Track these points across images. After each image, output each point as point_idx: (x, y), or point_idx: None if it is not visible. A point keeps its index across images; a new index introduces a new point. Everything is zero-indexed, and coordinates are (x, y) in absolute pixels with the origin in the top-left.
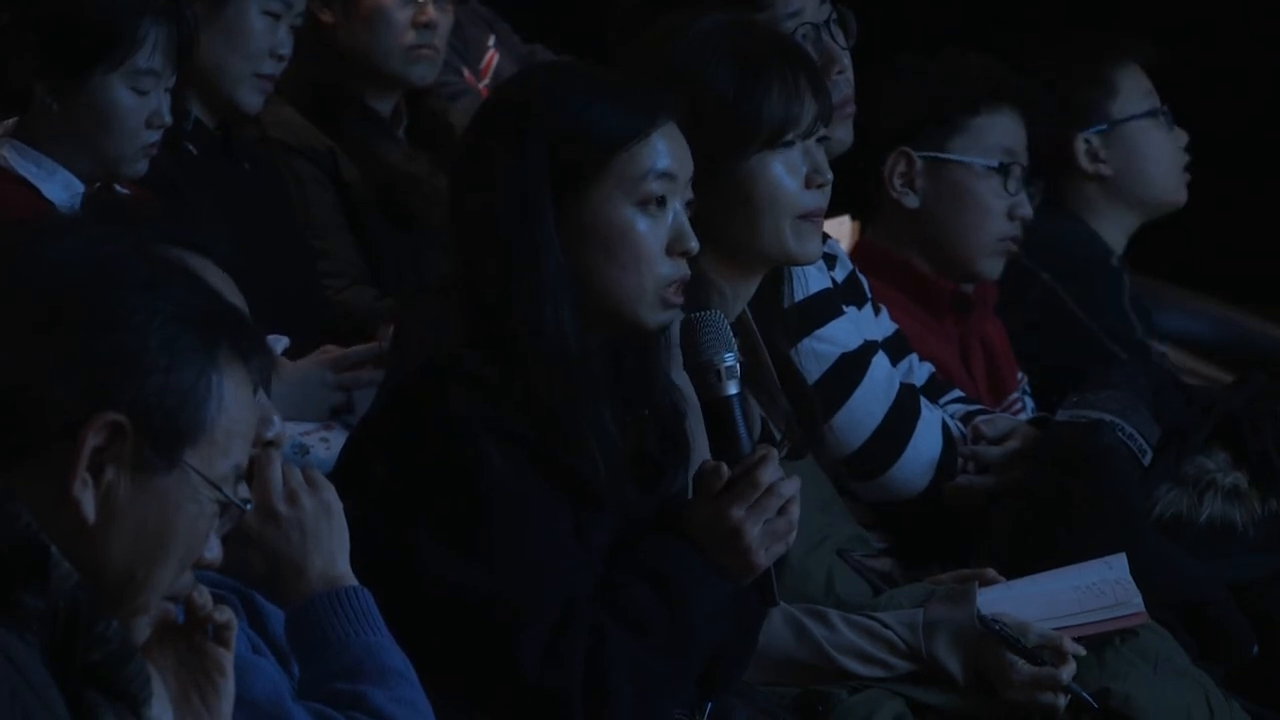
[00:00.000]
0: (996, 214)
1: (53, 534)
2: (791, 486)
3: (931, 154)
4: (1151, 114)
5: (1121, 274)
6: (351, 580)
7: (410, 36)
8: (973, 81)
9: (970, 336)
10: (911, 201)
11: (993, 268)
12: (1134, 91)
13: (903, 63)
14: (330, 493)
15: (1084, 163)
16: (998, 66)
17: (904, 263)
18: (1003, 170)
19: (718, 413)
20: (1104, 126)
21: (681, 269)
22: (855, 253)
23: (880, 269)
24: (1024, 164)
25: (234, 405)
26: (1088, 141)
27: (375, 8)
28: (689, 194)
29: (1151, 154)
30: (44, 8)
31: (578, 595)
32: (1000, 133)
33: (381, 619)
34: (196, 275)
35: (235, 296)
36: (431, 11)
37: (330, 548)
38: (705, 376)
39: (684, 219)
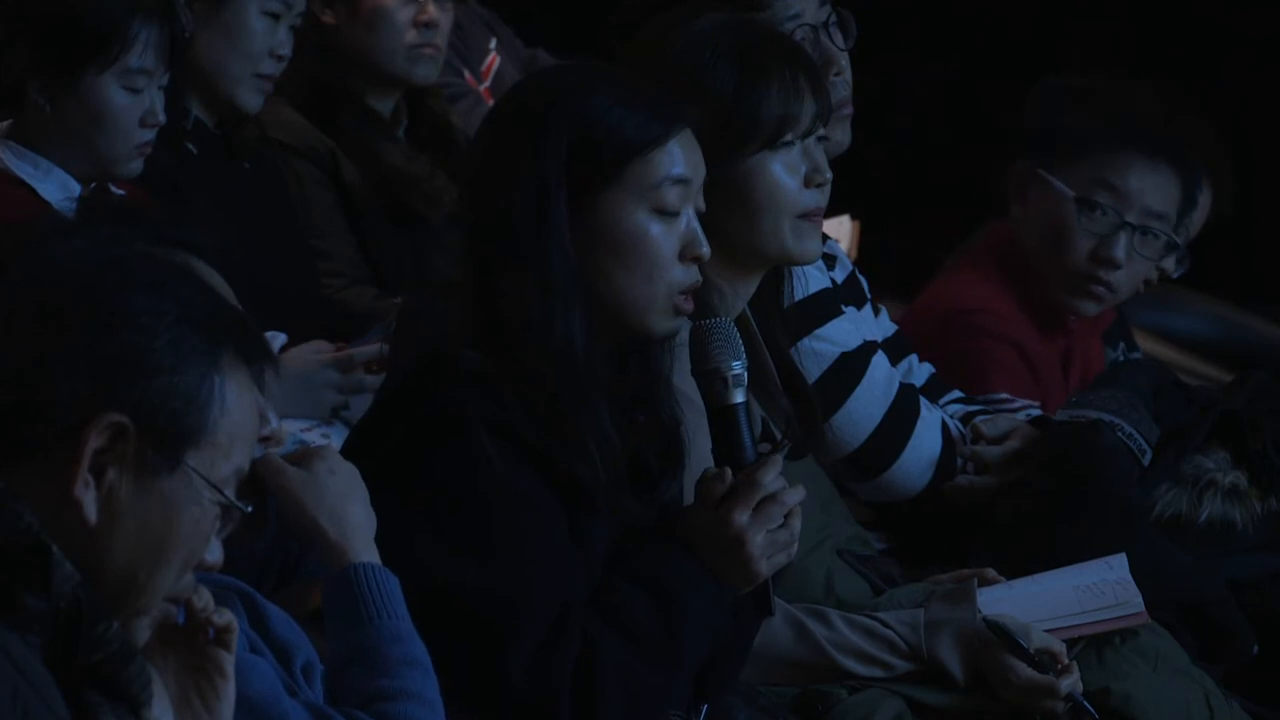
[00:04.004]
0: (1078, 249)
1: (54, 534)
2: (795, 497)
3: (1045, 172)
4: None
5: None
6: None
7: (412, 35)
8: (1120, 118)
9: (1074, 350)
10: (1016, 211)
11: (1080, 306)
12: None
13: (1072, 82)
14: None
15: None
16: (1159, 111)
17: (1024, 265)
18: (1089, 205)
19: (724, 420)
20: None
21: (693, 274)
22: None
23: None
24: (1133, 219)
25: (237, 408)
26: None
27: (376, 8)
28: (700, 200)
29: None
30: (38, 7)
31: (572, 599)
32: (1116, 174)
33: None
34: (201, 278)
35: (229, 299)
36: (432, 10)
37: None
38: (712, 384)
39: (696, 224)
